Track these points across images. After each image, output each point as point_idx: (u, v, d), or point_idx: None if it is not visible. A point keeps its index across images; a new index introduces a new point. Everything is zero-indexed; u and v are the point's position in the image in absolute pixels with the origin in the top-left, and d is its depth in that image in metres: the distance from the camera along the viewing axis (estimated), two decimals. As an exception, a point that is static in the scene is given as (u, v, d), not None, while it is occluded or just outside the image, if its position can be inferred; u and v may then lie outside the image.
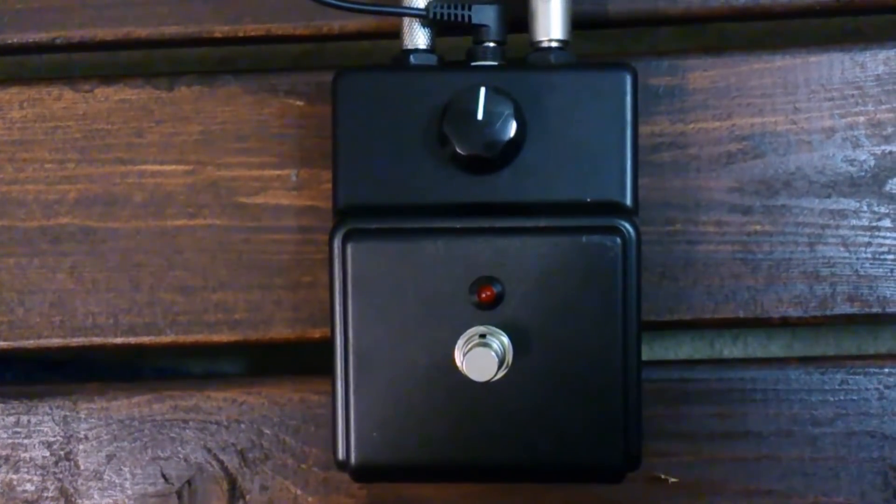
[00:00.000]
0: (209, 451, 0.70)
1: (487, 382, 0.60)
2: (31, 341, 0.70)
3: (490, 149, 0.61)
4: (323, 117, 0.68)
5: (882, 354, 0.82)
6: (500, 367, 0.60)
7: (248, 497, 0.70)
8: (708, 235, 0.68)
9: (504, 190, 0.63)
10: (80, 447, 0.71)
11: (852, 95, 0.68)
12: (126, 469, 0.70)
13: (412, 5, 0.64)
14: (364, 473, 0.63)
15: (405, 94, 0.63)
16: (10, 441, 0.71)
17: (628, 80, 0.63)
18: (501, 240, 0.62)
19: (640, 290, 0.62)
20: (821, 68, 0.68)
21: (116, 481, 0.70)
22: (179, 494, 0.70)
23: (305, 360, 0.71)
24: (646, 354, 0.64)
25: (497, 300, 0.61)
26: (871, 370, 0.68)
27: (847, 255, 0.67)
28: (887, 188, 0.67)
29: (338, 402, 0.63)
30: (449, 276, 0.62)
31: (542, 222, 0.62)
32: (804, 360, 0.69)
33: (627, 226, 0.62)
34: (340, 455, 0.63)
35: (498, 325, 0.61)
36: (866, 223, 0.67)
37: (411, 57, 0.64)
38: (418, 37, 0.65)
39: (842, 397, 0.68)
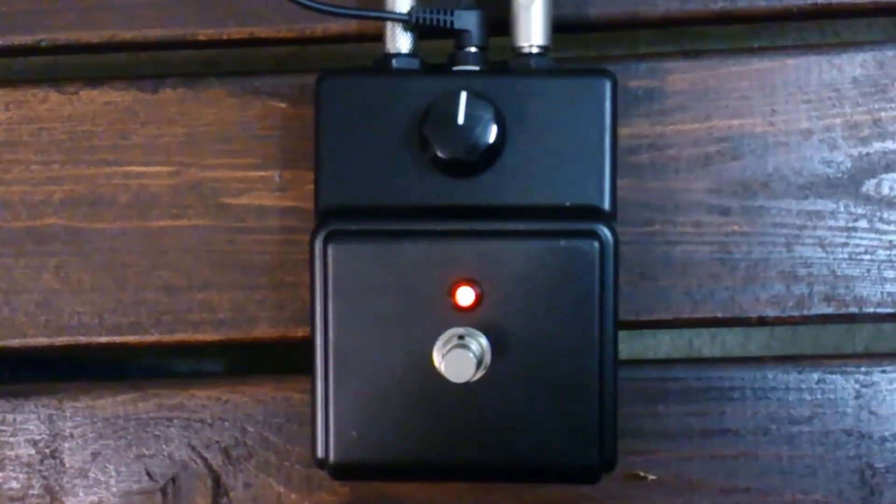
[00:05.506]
0: (193, 448, 0.71)
1: (465, 383, 0.61)
2: (17, 340, 0.71)
3: (470, 153, 0.62)
4: (306, 119, 0.68)
5: (859, 354, 0.82)
6: (477, 368, 0.60)
7: (231, 494, 0.70)
8: (686, 236, 0.68)
9: (484, 193, 0.63)
10: (66, 445, 0.71)
11: (829, 98, 0.68)
12: (111, 467, 0.71)
13: (395, 10, 0.65)
14: (342, 471, 0.64)
15: (387, 97, 0.64)
16: (-4, 439, 0.71)
17: (607, 86, 0.63)
18: (481, 243, 0.62)
19: (617, 294, 0.63)
20: (798, 71, 0.68)
21: (101, 479, 0.71)
22: (164, 492, 0.71)
23: (288, 359, 0.71)
24: (625, 353, 0.64)
25: (476, 302, 0.62)
26: (848, 369, 0.69)
27: (824, 255, 0.68)
28: (864, 189, 0.68)
29: (317, 400, 0.63)
30: (428, 278, 0.62)
31: (522, 226, 0.62)
32: (782, 359, 0.70)
33: (605, 230, 0.63)
34: (319, 453, 0.64)
35: (476, 327, 0.61)
36: (843, 224, 0.68)
37: (393, 61, 0.65)
38: (401, 41, 0.65)
39: (819, 396, 0.69)
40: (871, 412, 0.69)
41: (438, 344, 0.61)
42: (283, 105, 0.69)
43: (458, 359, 0.60)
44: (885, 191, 0.68)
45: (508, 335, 0.62)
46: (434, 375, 0.61)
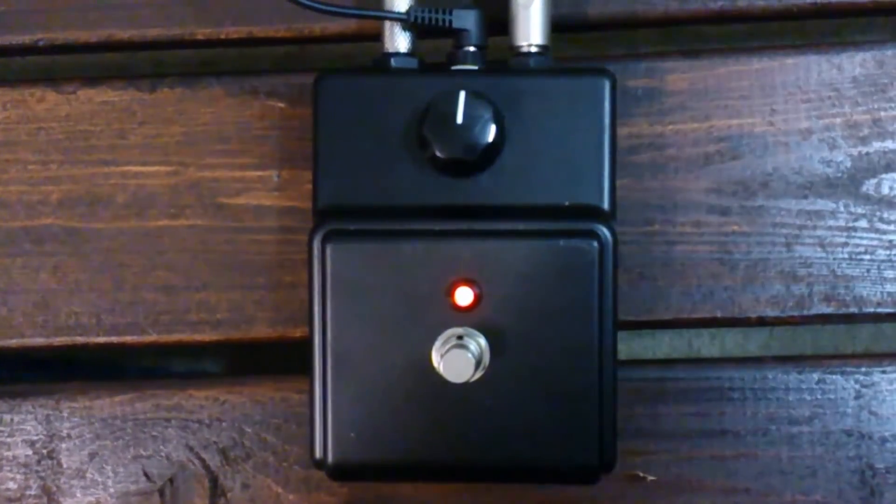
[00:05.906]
0: (191, 449, 0.71)
1: (464, 383, 0.60)
2: (15, 341, 0.71)
3: (469, 152, 0.62)
4: (304, 119, 0.68)
5: (858, 354, 0.82)
6: (476, 368, 0.60)
7: (229, 495, 0.70)
8: (686, 236, 0.68)
9: (483, 193, 0.63)
10: (63, 446, 0.71)
11: (829, 97, 0.68)
12: (108, 467, 0.71)
13: (393, 9, 0.65)
14: (341, 472, 0.64)
15: (386, 97, 0.64)
16: (-7, 440, 0.71)
17: (607, 85, 0.63)
18: (480, 242, 0.62)
19: (616, 294, 0.63)
20: (798, 70, 0.68)
21: (99, 479, 0.71)
22: (161, 492, 0.71)
23: (286, 360, 0.71)
24: (624, 354, 0.64)
25: (475, 302, 0.62)
26: (848, 369, 0.69)
27: (824, 255, 0.68)
28: (864, 189, 0.68)
29: (315, 401, 0.63)
30: (427, 278, 0.62)
31: (521, 226, 0.62)
32: (781, 360, 0.70)
33: (604, 230, 0.63)
34: (318, 454, 0.64)
35: (475, 327, 0.61)
36: (843, 224, 0.68)
37: (392, 60, 0.65)
38: (399, 40, 0.65)
39: (819, 396, 0.69)
40: (871, 412, 0.69)
41: (437, 344, 0.61)
42: (281, 105, 0.69)
43: (457, 359, 0.60)
44: (885, 190, 0.68)
45: (507, 335, 0.62)
46: (433, 376, 0.61)
